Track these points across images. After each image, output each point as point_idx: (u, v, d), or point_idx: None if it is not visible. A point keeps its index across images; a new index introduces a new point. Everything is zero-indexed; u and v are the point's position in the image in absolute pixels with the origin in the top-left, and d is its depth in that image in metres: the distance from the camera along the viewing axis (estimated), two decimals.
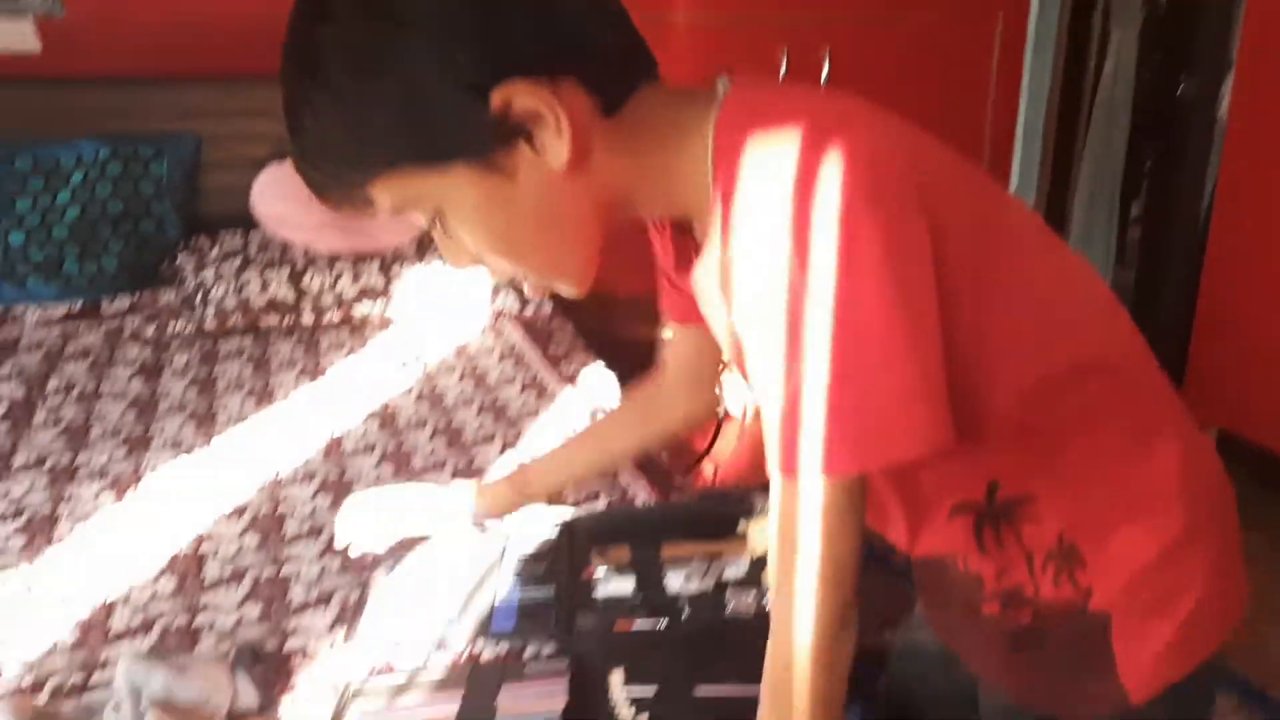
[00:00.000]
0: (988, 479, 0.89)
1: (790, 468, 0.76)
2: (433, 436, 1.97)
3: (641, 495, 1.71)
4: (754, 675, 1.27)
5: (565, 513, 1.65)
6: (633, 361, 2.75)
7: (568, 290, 0.88)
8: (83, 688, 1.25)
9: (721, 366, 1.26)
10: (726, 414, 3.45)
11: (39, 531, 1.61)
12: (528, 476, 1.35)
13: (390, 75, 0.72)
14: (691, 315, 1.02)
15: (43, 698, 1.23)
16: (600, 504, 1.69)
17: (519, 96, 0.74)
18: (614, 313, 3.27)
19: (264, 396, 2.15)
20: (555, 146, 0.77)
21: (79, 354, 2.37)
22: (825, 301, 0.71)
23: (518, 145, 0.77)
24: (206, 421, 2.03)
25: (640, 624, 1.36)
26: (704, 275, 0.87)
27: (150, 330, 2.52)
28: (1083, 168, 4.17)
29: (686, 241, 0.95)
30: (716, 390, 1.28)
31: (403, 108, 0.73)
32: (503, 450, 1.90)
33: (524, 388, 2.20)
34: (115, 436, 1.96)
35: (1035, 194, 3.85)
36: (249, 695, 1.20)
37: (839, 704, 0.85)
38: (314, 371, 2.29)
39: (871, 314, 0.71)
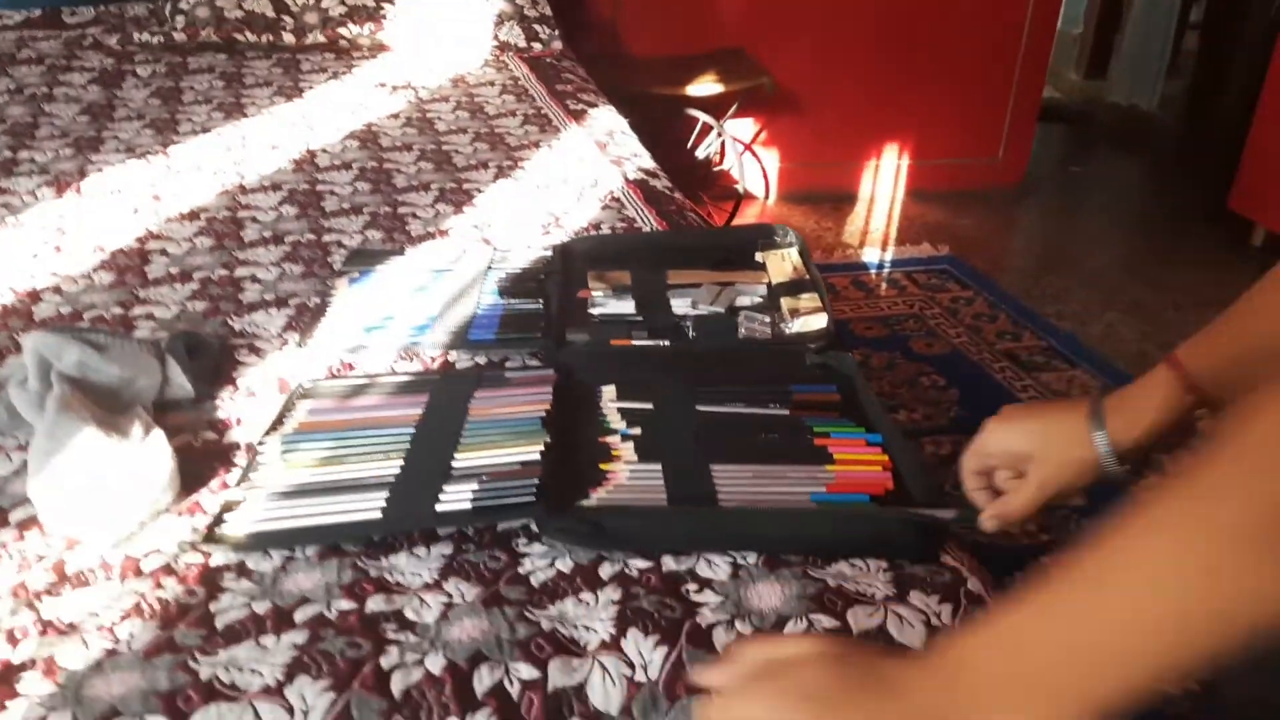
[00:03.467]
0: None
1: None
2: (419, 159, 1.75)
3: (648, 228, 1.51)
4: (763, 399, 1.11)
5: (556, 239, 1.46)
6: (644, 112, 2.53)
7: None
8: None
9: None
10: (747, 193, 3.23)
11: None
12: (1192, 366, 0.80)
13: None
14: None
15: None
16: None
17: None
18: (630, 66, 3.00)
19: (234, 111, 1.93)
20: None
21: (34, 59, 2.13)
22: None
23: None
24: (167, 129, 1.81)
25: (640, 343, 1.18)
26: None
27: (113, 39, 2.27)
28: None
29: None
30: None
31: None
32: (497, 177, 1.69)
33: (526, 120, 1.97)
34: (64, 137, 1.75)
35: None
36: (181, 385, 1.04)
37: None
38: (291, 92, 2.06)
39: None
